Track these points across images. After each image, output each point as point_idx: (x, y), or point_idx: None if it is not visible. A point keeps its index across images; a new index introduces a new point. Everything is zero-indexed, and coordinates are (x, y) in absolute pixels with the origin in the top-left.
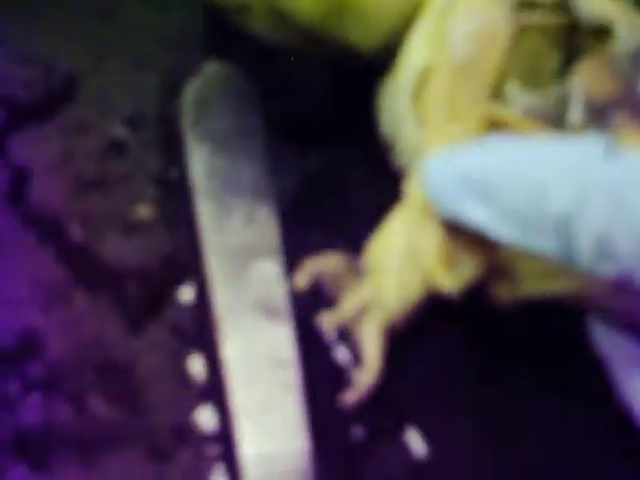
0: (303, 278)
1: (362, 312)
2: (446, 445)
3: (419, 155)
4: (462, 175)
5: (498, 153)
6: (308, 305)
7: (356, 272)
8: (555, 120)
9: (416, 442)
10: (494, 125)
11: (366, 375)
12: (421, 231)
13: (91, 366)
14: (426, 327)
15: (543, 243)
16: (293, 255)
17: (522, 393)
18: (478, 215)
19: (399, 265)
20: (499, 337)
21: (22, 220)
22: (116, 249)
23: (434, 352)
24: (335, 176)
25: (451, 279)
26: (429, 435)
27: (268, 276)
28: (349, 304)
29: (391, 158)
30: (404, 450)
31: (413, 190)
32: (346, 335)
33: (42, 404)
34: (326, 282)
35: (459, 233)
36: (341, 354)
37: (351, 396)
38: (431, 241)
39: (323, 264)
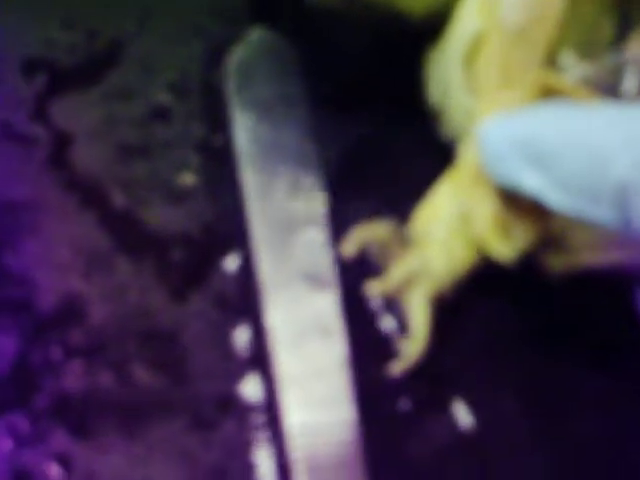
0: (350, 246)
1: (409, 281)
2: (493, 418)
3: (470, 122)
4: (519, 141)
5: (556, 120)
6: (354, 274)
7: (403, 240)
8: (610, 89)
9: (463, 414)
10: (548, 93)
11: (413, 345)
12: (474, 199)
13: (134, 334)
14: (474, 297)
15: (600, 212)
16: (338, 223)
17: (571, 366)
18: (534, 183)
19: (447, 234)
20: (548, 308)
21: (64, 185)
22: (159, 216)
23: (482, 322)
24: (381, 144)
25: (505, 247)
26: (476, 407)
27: (313, 245)
28: (396, 273)
29: (438, 125)
30: (451, 422)
31: (466, 157)
32: (393, 304)
33: (84, 370)
34: (373, 251)
35: (513, 201)
36: (387, 324)
37: (398, 367)
38: (485, 209)
39: (371, 232)
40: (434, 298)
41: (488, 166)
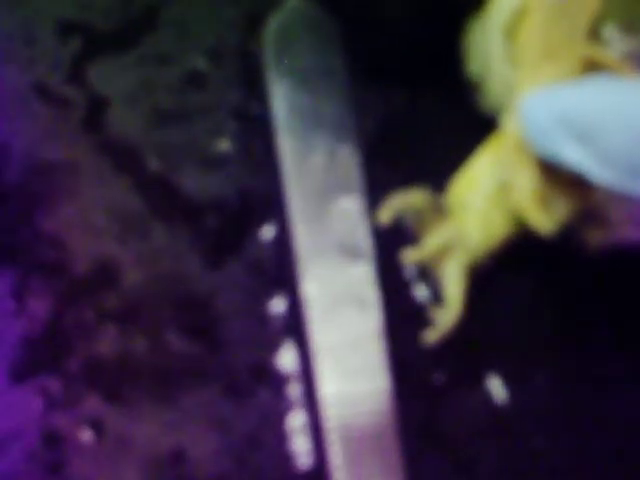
0: (386, 214)
1: (445, 250)
2: (526, 392)
3: (510, 95)
4: (563, 115)
5: (599, 94)
6: (390, 244)
7: (440, 210)
8: None
9: (497, 388)
10: (591, 67)
11: (448, 315)
12: (515, 170)
13: (168, 300)
14: (510, 269)
15: None
16: (375, 193)
17: (606, 340)
18: (578, 157)
19: (484, 204)
20: (585, 282)
21: (99, 148)
22: (194, 182)
23: (517, 295)
24: (418, 114)
25: (545, 219)
26: (510, 381)
27: (350, 215)
28: (432, 242)
29: (478, 98)
30: (484, 396)
31: (507, 129)
32: (428, 274)
33: (117, 335)
34: (409, 219)
35: (555, 174)
36: (422, 293)
37: (432, 335)
38: (526, 180)
39: (407, 200)
40: (469, 268)
41: (530, 139)
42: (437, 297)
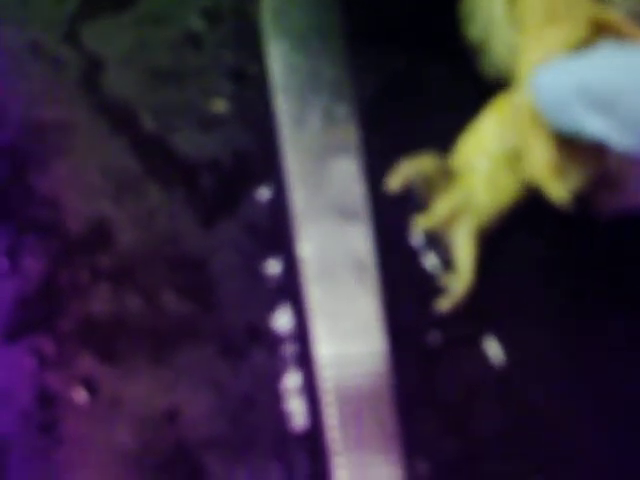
0: (396, 181)
1: (454, 216)
2: (524, 354)
3: (514, 59)
4: (580, 87)
5: (614, 60)
6: (389, 205)
7: (447, 174)
8: None
9: (494, 350)
10: (596, 28)
11: (459, 281)
12: (529, 141)
13: (162, 259)
14: (515, 233)
15: None
16: (372, 155)
17: (607, 304)
18: (598, 127)
19: (491, 167)
20: (594, 247)
21: (94, 109)
22: (190, 142)
23: (522, 259)
24: (415, 77)
25: (560, 188)
26: (507, 343)
27: (346, 176)
28: (442, 207)
29: (478, 61)
30: (481, 357)
31: (519, 101)
32: (431, 239)
33: (111, 295)
34: (417, 185)
35: (569, 143)
36: (424, 258)
37: (445, 303)
38: (540, 152)
39: (417, 165)
40: (478, 233)
41: (547, 114)
42: (445, 264)
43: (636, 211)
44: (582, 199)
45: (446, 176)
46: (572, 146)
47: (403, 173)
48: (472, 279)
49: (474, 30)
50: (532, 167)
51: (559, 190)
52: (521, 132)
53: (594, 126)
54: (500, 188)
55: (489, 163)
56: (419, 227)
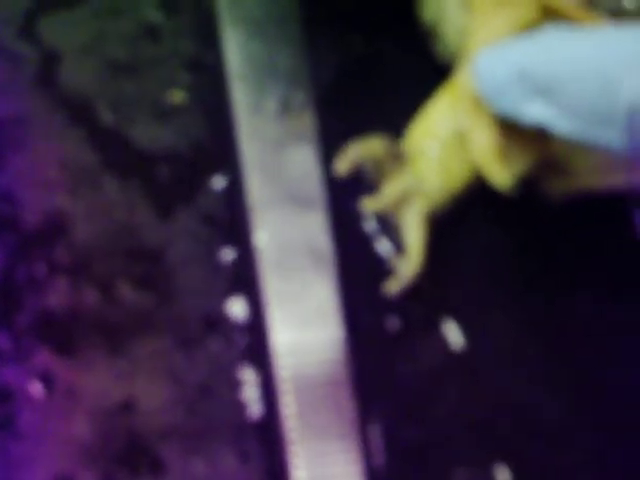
0: (344, 164)
1: (404, 198)
2: (484, 338)
3: (464, 41)
4: (521, 71)
5: (558, 45)
6: (345, 194)
7: (398, 157)
8: (610, 8)
9: (454, 334)
10: (546, 12)
11: (409, 264)
12: (472, 124)
13: (119, 251)
14: (470, 217)
15: (608, 136)
16: (329, 143)
17: (564, 286)
18: (539, 112)
19: (442, 151)
20: (546, 230)
21: (52, 102)
22: (147, 134)
23: (477, 243)
24: (372, 63)
25: (503, 173)
26: (467, 327)
27: (303, 164)
28: (391, 189)
29: (432, 44)
30: (441, 342)
31: (463, 81)
32: (384, 224)
33: (68, 288)
34: (367, 168)
35: (513, 127)
36: (378, 243)
37: (394, 285)
38: (483, 135)
39: (365, 148)
40: (429, 216)
41: (487, 98)
42: (396, 246)
43: (586, 195)
44: (529, 183)
45: (397, 159)
46: (516, 130)
47: (351, 156)
48: (421, 262)
49: (428, 12)
50: (475, 151)
51: (502, 175)
52: (465, 115)
53: (533, 111)
54: (451, 172)
55: (440, 146)
56: (368, 209)
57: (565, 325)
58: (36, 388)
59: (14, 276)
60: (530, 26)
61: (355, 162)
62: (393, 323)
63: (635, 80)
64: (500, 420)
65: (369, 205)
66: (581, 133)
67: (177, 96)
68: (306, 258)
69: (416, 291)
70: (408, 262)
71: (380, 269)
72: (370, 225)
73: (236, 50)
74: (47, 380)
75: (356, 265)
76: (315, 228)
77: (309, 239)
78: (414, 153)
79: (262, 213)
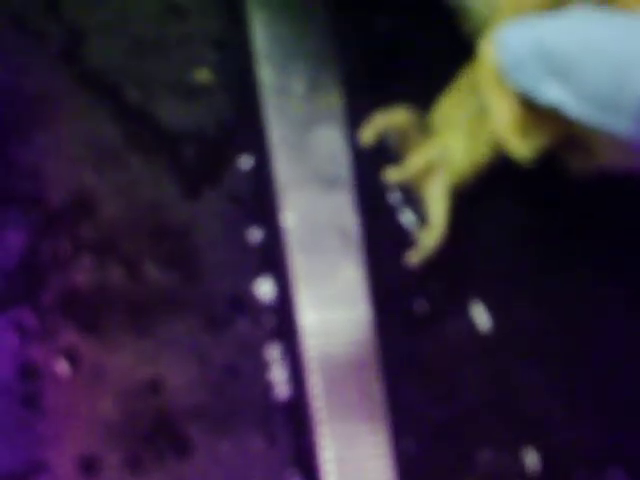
0: (369, 133)
1: (428, 170)
2: (511, 323)
3: (491, 20)
4: (539, 50)
5: (580, 27)
6: (372, 171)
7: (424, 129)
8: None
9: (480, 316)
10: None
11: (431, 235)
12: (494, 98)
13: (145, 230)
14: (496, 194)
15: (619, 123)
16: (356, 122)
17: (588, 267)
18: (553, 93)
19: (468, 125)
20: (568, 208)
21: (77, 79)
22: (173, 112)
23: (502, 221)
24: (399, 41)
25: (523, 147)
26: (493, 309)
27: (330, 144)
28: (415, 161)
29: (459, 21)
30: (468, 323)
31: (484, 58)
32: (412, 199)
33: (94, 266)
34: (392, 139)
35: (533, 103)
36: (405, 220)
37: (415, 257)
38: (505, 108)
39: (390, 118)
40: (454, 191)
41: (507, 73)
42: (422, 221)
43: (611, 173)
44: (552, 159)
45: (422, 131)
46: (537, 106)
47: (377, 125)
48: (444, 234)
49: None
50: (495, 124)
51: (522, 148)
52: (486, 87)
53: (549, 92)
54: (476, 145)
55: (466, 120)
56: (392, 180)
57: (592, 309)
58: (61, 366)
59: (39, 254)
60: (558, 4)
61: (380, 131)
62: (421, 304)
63: None
64: (527, 401)
65: (393, 175)
66: (592, 118)
67: (203, 75)
68: (334, 238)
69: (444, 271)
70: (430, 233)
71: (408, 248)
72: (398, 203)
73: (262, 30)
74: (72, 358)
75: (384, 246)
76: (343, 208)
77: (336, 219)
78: (440, 126)
79: (289, 193)
